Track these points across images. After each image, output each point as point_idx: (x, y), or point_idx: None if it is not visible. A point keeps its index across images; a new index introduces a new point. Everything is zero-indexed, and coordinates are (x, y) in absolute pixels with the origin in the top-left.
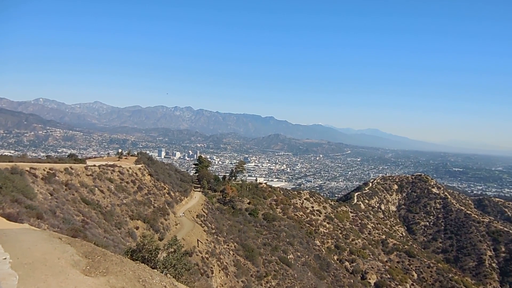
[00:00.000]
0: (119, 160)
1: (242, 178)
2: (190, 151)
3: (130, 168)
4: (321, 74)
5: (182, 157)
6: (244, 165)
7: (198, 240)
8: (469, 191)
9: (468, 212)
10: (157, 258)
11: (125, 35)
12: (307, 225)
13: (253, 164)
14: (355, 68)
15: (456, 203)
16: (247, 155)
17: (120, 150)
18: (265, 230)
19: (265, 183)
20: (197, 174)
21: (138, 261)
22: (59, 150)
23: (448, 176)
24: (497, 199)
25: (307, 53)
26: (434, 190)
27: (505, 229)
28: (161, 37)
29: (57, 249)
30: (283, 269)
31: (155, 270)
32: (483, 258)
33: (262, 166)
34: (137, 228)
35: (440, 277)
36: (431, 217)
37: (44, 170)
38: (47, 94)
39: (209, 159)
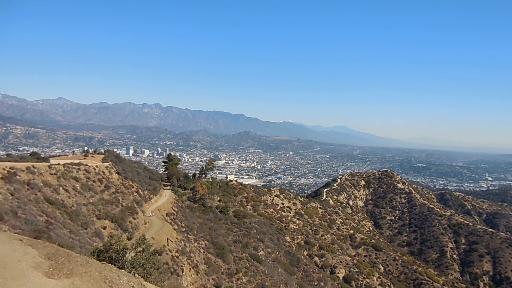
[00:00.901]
0: (85, 158)
1: (213, 176)
2: (159, 149)
3: (96, 166)
4: (291, 72)
5: (151, 154)
6: (215, 163)
7: (168, 238)
8: (432, 186)
9: (431, 206)
10: (125, 258)
11: (90, 33)
12: (278, 221)
13: (223, 161)
14: (323, 66)
15: (420, 198)
16: (217, 153)
17: (86, 148)
18: (236, 228)
19: (236, 181)
20: (166, 172)
21: (105, 262)
22: (20, 148)
23: (413, 171)
24: (458, 193)
25: (276, 50)
26: (400, 185)
27: (465, 222)
28: (127, 34)
29: (17, 251)
30: (253, 265)
31: (123, 270)
32: (445, 250)
33: (233, 163)
34: (104, 228)
35: (405, 270)
36: (397, 211)
37: (4, 169)
38: (7, 90)
39: (178, 157)
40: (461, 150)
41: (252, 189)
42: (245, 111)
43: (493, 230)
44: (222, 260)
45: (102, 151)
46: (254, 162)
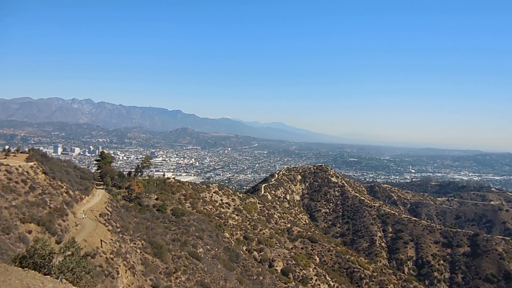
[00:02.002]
0: (5, 158)
1: (149, 174)
2: (91, 147)
3: (20, 166)
4: (229, 68)
5: (82, 153)
6: (151, 160)
7: (101, 240)
8: (362, 179)
9: (362, 198)
10: (51, 263)
11: (7, 18)
12: (217, 218)
13: (160, 158)
14: (259, 62)
15: (352, 191)
16: (154, 150)
17: (7, 147)
18: (174, 226)
19: (174, 178)
20: (99, 170)
21: (28, 268)
22: None
23: (345, 165)
24: (386, 185)
25: (213, 46)
26: (333, 179)
27: (392, 212)
28: (53, 22)
29: None
30: (193, 263)
31: (48, 277)
32: (374, 239)
33: (170, 160)
34: (29, 232)
35: (339, 259)
36: (331, 204)
37: None
38: None
39: (112, 155)
40: (388, 145)
41: (191, 186)
42: (183, 107)
43: (416, 219)
44: (160, 259)
45: (26, 149)
46: (193, 159)
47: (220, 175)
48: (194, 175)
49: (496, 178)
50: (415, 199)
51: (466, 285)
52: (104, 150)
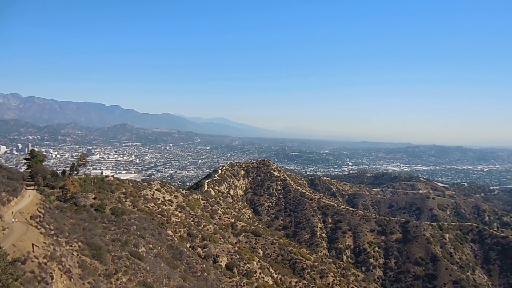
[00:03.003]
0: None
1: (86, 172)
2: (19, 145)
3: None
4: (169, 62)
5: (8, 151)
6: (88, 158)
7: (33, 244)
8: (303, 172)
9: (303, 191)
10: None
11: None
12: (159, 215)
13: (98, 156)
14: (200, 56)
15: (293, 184)
16: (90, 147)
17: None
18: (114, 225)
19: (112, 176)
20: (29, 170)
21: None
22: None
23: (287, 160)
24: (325, 178)
25: (153, 40)
26: (276, 173)
27: (332, 203)
28: None
29: None
30: (134, 263)
31: None
32: (315, 230)
33: (109, 158)
34: None
35: (282, 251)
36: (274, 198)
37: None
38: None
39: (44, 153)
40: (328, 139)
41: (131, 184)
42: (121, 103)
43: (353, 209)
44: (99, 261)
45: None
46: (133, 156)
47: (162, 172)
48: (134, 173)
49: (423, 168)
50: (352, 190)
51: (398, 269)
52: (35, 148)
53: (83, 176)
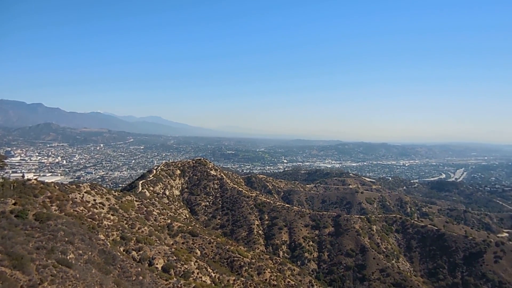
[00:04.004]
0: None
1: (4, 176)
2: None
3: None
4: (98, 58)
5: None
6: (6, 160)
7: None
8: (240, 171)
9: (240, 189)
10: None
11: None
12: (89, 219)
13: (18, 158)
14: (130, 51)
15: (230, 182)
16: (9, 148)
17: None
18: (38, 232)
19: (36, 179)
20: None
21: None
22: None
23: (223, 158)
24: (261, 175)
25: (78, 32)
26: (212, 172)
27: (268, 200)
28: None
29: None
30: (62, 271)
31: None
32: (252, 227)
33: (31, 160)
34: None
35: (219, 250)
36: (211, 197)
37: None
38: None
39: None
40: (263, 137)
41: (57, 187)
42: (45, 100)
43: (288, 205)
44: (21, 271)
45: None
46: (59, 157)
47: (92, 173)
48: (61, 175)
49: (353, 164)
50: (287, 187)
51: (331, 261)
52: None
53: (1, 180)
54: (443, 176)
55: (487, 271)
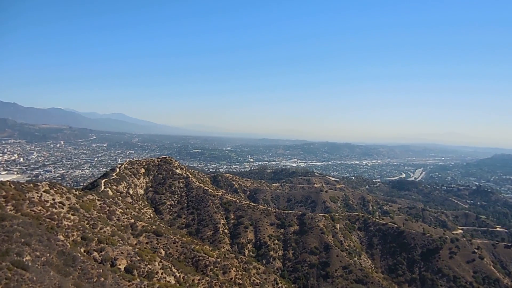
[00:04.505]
0: None
1: None
2: None
3: None
4: (60, 51)
5: None
6: None
7: None
8: (206, 169)
9: (206, 188)
10: None
11: None
12: (48, 220)
13: None
14: (92, 45)
15: (196, 181)
16: None
17: None
18: None
19: None
20: None
21: None
22: None
23: (189, 157)
24: (227, 174)
25: (37, 23)
26: (178, 171)
27: (234, 199)
28: None
29: None
30: (17, 274)
31: None
32: (218, 226)
33: None
34: None
35: (184, 250)
36: (176, 196)
37: None
38: None
39: None
40: (230, 136)
41: (13, 186)
42: (0, 95)
43: (254, 204)
44: None
45: None
46: (15, 155)
47: (51, 171)
48: (17, 173)
49: (318, 163)
50: (253, 186)
51: (296, 259)
52: None
53: None
54: (404, 175)
55: (443, 267)
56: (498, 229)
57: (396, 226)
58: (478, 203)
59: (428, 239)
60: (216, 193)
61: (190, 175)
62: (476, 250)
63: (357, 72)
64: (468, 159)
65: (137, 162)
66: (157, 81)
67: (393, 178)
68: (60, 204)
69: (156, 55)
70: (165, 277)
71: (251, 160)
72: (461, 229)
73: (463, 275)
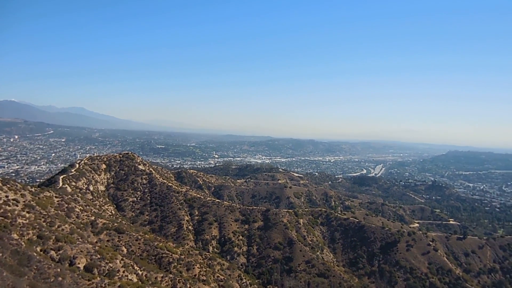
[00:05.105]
0: None
1: None
2: None
3: None
4: (11, 39)
5: None
6: None
7: None
8: (170, 166)
9: (170, 184)
10: None
11: None
12: (1, 218)
13: None
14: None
15: (159, 177)
16: None
17: None
18: None
19: None
20: None
21: None
22: None
23: (153, 153)
24: (192, 170)
25: None
26: (141, 167)
27: (198, 196)
28: None
29: None
30: None
31: None
32: (182, 223)
33: None
34: None
35: (147, 247)
36: (139, 192)
37: None
38: None
39: None
40: (195, 132)
41: None
42: None
43: (219, 200)
44: None
45: None
46: None
47: (4, 167)
48: None
49: (282, 160)
50: (218, 182)
51: (260, 254)
52: None
53: None
54: (364, 171)
55: (400, 259)
56: (451, 222)
57: (357, 220)
58: (433, 197)
59: (387, 232)
60: (180, 190)
61: (154, 171)
62: (431, 243)
63: (319, 68)
64: (425, 156)
65: (98, 157)
66: (119, 76)
67: (354, 174)
68: (14, 201)
69: (118, 50)
70: (127, 275)
71: (216, 156)
72: (418, 223)
73: (418, 267)
